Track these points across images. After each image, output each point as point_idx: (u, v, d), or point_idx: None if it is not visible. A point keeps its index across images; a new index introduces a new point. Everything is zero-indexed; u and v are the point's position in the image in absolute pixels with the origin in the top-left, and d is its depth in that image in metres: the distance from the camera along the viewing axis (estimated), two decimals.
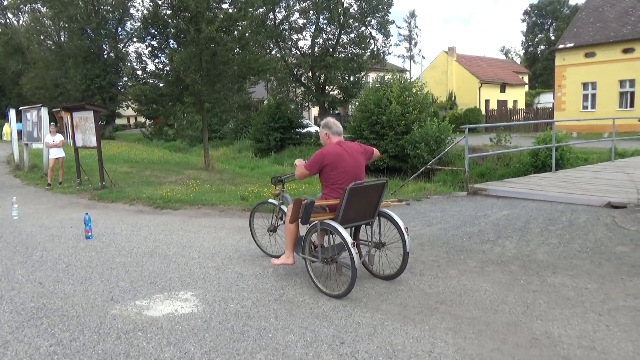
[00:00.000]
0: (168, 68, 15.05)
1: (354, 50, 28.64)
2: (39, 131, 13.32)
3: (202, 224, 7.02)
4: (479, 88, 41.06)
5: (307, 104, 32.86)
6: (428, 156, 16.80)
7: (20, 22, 51.53)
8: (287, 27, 28.61)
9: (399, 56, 67.99)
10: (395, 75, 21.22)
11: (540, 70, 58.71)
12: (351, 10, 27.80)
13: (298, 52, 29.67)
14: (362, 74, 29.69)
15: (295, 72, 29.55)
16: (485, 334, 3.27)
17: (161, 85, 15.67)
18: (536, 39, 63.01)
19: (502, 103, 42.15)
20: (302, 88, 30.51)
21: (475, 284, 4.23)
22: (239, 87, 16.95)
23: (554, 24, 59.55)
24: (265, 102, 35.11)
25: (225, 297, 3.99)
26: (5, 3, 52.88)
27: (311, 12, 27.79)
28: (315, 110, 40.20)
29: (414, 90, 20.09)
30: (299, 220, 4.15)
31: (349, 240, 3.83)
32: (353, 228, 4.48)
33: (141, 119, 55.00)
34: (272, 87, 31.64)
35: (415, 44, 54.16)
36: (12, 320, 3.58)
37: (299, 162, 4.47)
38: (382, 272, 4.49)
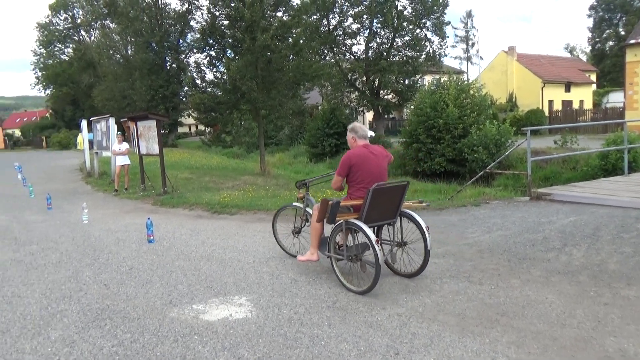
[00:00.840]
0: (225, 77, 15.50)
1: (408, 53, 28.25)
2: (107, 140, 14.10)
3: (258, 229, 7.12)
4: (542, 88, 39.23)
5: (361, 109, 32.73)
6: (487, 160, 16.21)
7: (92, 38, 54.99)
8: (340, 33, 28.69)
9: (455, 58, 66.46)
10: (452, 77, 20.69)
11: (609, 68, 55.26)
12: (405, 12, 27.47)
13: (352, 57, 29.67)
14: (417, 77, 29.22)
15: (349, 77, 29.55)
16: (552, 350, 3.06)
17: (219, 93, 16.16)
18: (604, 35, 59.37)
19: (567, 103, 40.05)
20: (356, 93, 30.46)
21: (539, 295, 3.99)
22: (294, 94, 17.16)
23: (623, 19, 55.86)
24: (319, 107, 35.35)
25: (278, 303, 4.00)
26: (78, 21, 56.73)
27: (365, 16, 27.72)
28: (369, 115, 39.98)
29: (471, 92, 19.51)
30: (325, 220, 4.34)
31: (373, 237, 3.99)
32: (376, 227, 4.59)
33: (201, 127, 57.10)
34: (327, 93, 31.81)
35: (472, 44, 52.77)
36: (79, 321, 3.76)
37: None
38: (404, 270, 4.62)
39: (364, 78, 29.15)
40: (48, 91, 58.47)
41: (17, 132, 69.18)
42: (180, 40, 43.43)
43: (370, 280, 4.06)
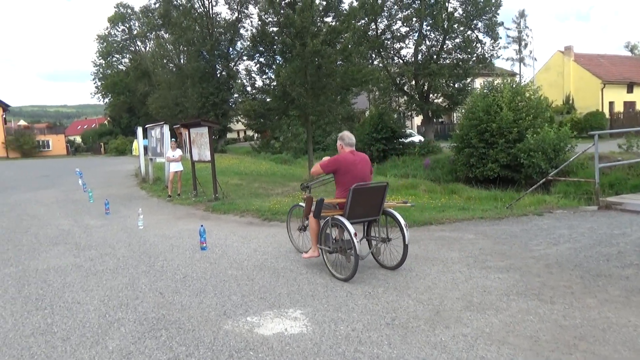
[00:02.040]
0: (275, 83, 15.60)
1: (459, 56, 27.55)
2: (161, 146, 14.49)
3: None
4: (601, 89, 37.23)
5: (410, 113, 32.21)
6: (545, 166, 15.46)
7: (147, 48, 57.27)
8: (389, 37, 28.38)
9: (507, 59, 64.31)
10: (506, 79, 19.93)
11: None
12: (456, 14, 26.82)
13: (401, 61, 29.26)
14: (468, 80, 28.42)
15: (397, 81, 29.16)
16: None
17: (268, 100, 16.28)
18: None
19: (629, 105, 37.80)
20: (405, 97, 29.99)
21: (621, 317, 3.63)
22: (342, 99, 17.05)
23: None
24: (367, 112, 35.08)
25: (334, 318, 3.85)
26: (135, 32, 59.29)
27: (414, 19, 27.28)
28: (418, 120, 39.31)
29: (527, 95, 18.70)
30: (313, 214, 5.08)
31: (352, 230, 4.59)
32: (366, 225, 5.34)
33: (250, 133, 58.08)
34: (375, 98, 31.51)
35: (526, 45, 50.87)
36: (135, 330, 3.75)
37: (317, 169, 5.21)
38: (388, 264, 5.17)
39: (413, 82, 28.67)
40: (106, 100, 61.37)
41: (78, 139, 72.97)
42: (230, 48, 44.41)
43: (350, 269, 4.73)
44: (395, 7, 27.74)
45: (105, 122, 69.95)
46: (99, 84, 61.07)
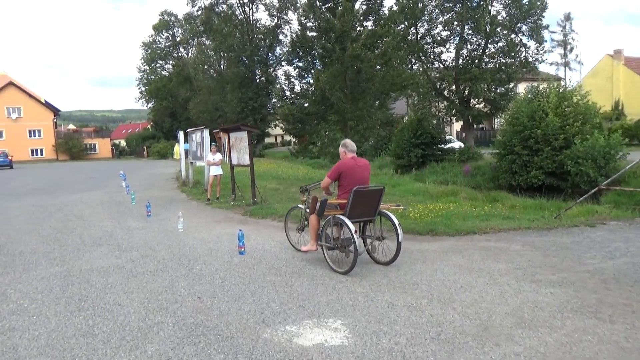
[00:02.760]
0: (313, 88, 15.58)
1: (502, 60, 26.80)
2: (201, 150, 14.70)
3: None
4: None
5: (450, 119, 31.55)
6: (594, 174, 14.74)
7: (189, 54, 58.72)
8: (429, 41, 27.92)
9: (551, 64, 62.20)
10: (552, 83, 19.19)
11: None
12: (499, 17, 26.13)
13: (441, 65, 28.73)
14: (512, 84, 27.61)
15: (437, 86, 28.63)
16: None
17: (307, 104, 16.29)
18: None
19: None
20: (445, 102, 29.43)
21: None
22: (381, 104, 16.86)
23: None
24: (405, 118, 34.66)
25: (376, 330, 3.70)
26: (178, 39, 60.94)
27: (455, 23, 26.76)
28: (458, 125, 38.52)
29: (574, 100, 17.93)
30: (316, 212, 5.61)
31: (352, 228, 5.05)
32: (362, 225, 5.86)
33: (287, 138, 58.53)
34: (414, 103, 31.08)
35: (572, 49, 49.17)
36: (174, 336, 3.72)
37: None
38: (382, 260, 5.64)
39: (453, 87, 28.08)
40: (150, 104, 63.28)
41: (123, 143, 75.50)
42: (270, 54, 44.91)
43: (349, 265, 5.20)
44: (436, 11, 27.28)
45: (149, 126, 72.13)
46: (143, 89, 63.09)
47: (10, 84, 56.21)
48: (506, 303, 4.19)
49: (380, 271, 5.38)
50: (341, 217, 5.26)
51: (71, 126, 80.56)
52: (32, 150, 56.36)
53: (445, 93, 28.81)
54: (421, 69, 27.99)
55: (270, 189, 14.36)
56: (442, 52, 28.45)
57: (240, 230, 6.66)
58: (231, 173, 12.80)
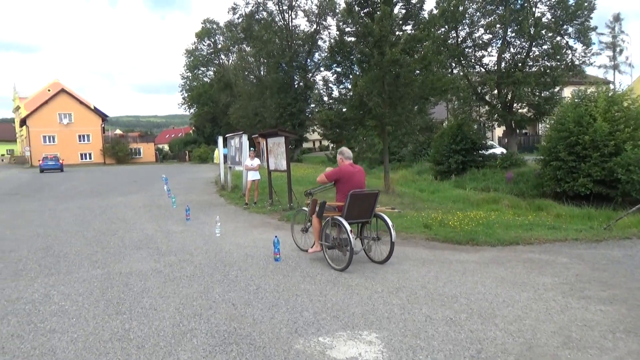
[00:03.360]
0: (352, 93, 15.48)
1: (547, 63, 25.85)
2: (240, 155, 14.87)
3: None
4: None
5: (491, 124, 30.74)
6: None
7: (230, 61, 59.90)
8: (470, 44, 27.33)
9: (599, 67, 59.76)
10: (601, 87, 18.36)
11: None
12: (544, 19, 25.25)
13: (482, 69, 28.05)
14: (557, 88, 26.60)
15: (479, 91, 27.95)
16: None
17: (345, 109, 16.20)
18: None
19: None
20: (486, 107, 28.68)
21: None
22: (420, 109, 16.56)
23: None
24: (445, 123, 34.05)
25: (413, 345, 3.56)
26: (219, 46, 62.30)
27: (497, 26, 26.07)
28: (499, 131, 37.50)
29: (625, 104, 17.08)
30: (315, 214, 6.16)
31: (349, 228, 5.53)
32: (360, 226, 6.33)
33: (325, 143, 58.63)
34: (454, 108, 30.49)
35: (621, 51, 47.06)
36: (207, 343, 3.71)
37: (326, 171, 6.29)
38: (378, 259, 6.07)
39: (495, 91, 27.34)
40: (192, 110, 64.84)
41: (166, 147, 77.73)
42: (308, 60, 45.20)
43: (345, 262, 5.65)
44: (478, 14, 26.68)
45: (190, 131, 73.92)
46: (186, 95, 64.72)
47: (62, 91, 58.90)
48: (552, 320, 3.96)
49: (417, 282, 5.22)
50: (339, 218, 5.75)
51: (118, 131, 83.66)
52: (81, 154, 58.75)
53: (487, 97, 28.08)
54: (462, 73, 27.43)
55: None
56: (483, 56, 27.77)
57: (276, 236, 6.64)
58: (268, 178, 12.87)
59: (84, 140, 59.09)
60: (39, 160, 40.60)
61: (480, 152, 26.37)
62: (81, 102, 59.80)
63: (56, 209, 13.05)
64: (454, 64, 27.33)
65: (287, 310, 4.43)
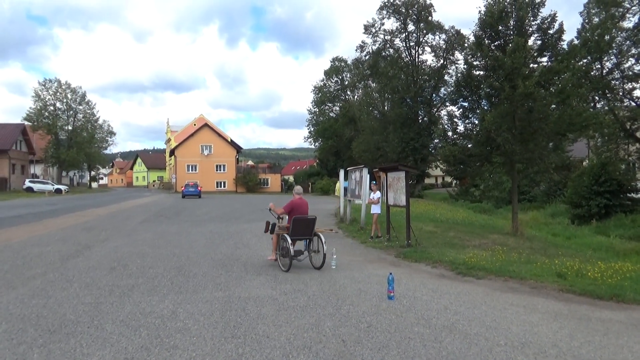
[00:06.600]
0: (478, 128, 14.83)
1: None
2: (359, 189, 14.97)
3: (509, 301, 6.15)
4: None
5: None
6: None
7: (355, 97, 61.64)
8: (617, 76, 24.73)
9: None
10: None
11: None
12: None
13: (632, 103, 25.13)
14: None
15: (627, 127, 25.01)
16: None
17: (470, 145, 15.54)
18: None
19: None
20: (636, 145, 25.49)
21: None
22: (556, 146, 15.23)
23: None
24: (585, 162, 30.90)
25: None
26: (346, 83, 64.58)
27: None
28: None
29: None
30: (268, 231, 8.96)
31: (289, 240, 7.96)
32: (307, 242, 8.60)
33: (448, 179, 56.79)
34: (596, 145, 27.60)
35: None
36: None
37: (273, 206, 9.01)
38: (316, 266, 8.27)
39: None
40: (317, 143, 67.55)
41: (291, 178, 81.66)
42: (434, 95, 44.69)
43: (287, 266, 8.00)
44: (627, 42, 24.16)
45: (315, 163, 76.86)
46: (312, 129, 67.75)
47: (205, 125, 65.66)
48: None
49: (547, 338, 4.64)
50: (285, 235, 8.16)
51: (250, 162, 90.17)
52: (217, 182, 64.30)
53: (638, 134, 24.98)
54: (606, 107, 24.85)
55: (426, 232, 13.86)
56: (634, 88, 24.95)
57: (391, 273, 6.44)
58: (387, 213, 12.71)
59: (220, 170, 64.64)
60: (182, 187, 45.26)
61: (628, 195, 23.37)
62: (220, 135, 65.86)
63: (191, 231, 14.27)
64: (597, 98, 24.91)
65: (398, 353, 4.21)
